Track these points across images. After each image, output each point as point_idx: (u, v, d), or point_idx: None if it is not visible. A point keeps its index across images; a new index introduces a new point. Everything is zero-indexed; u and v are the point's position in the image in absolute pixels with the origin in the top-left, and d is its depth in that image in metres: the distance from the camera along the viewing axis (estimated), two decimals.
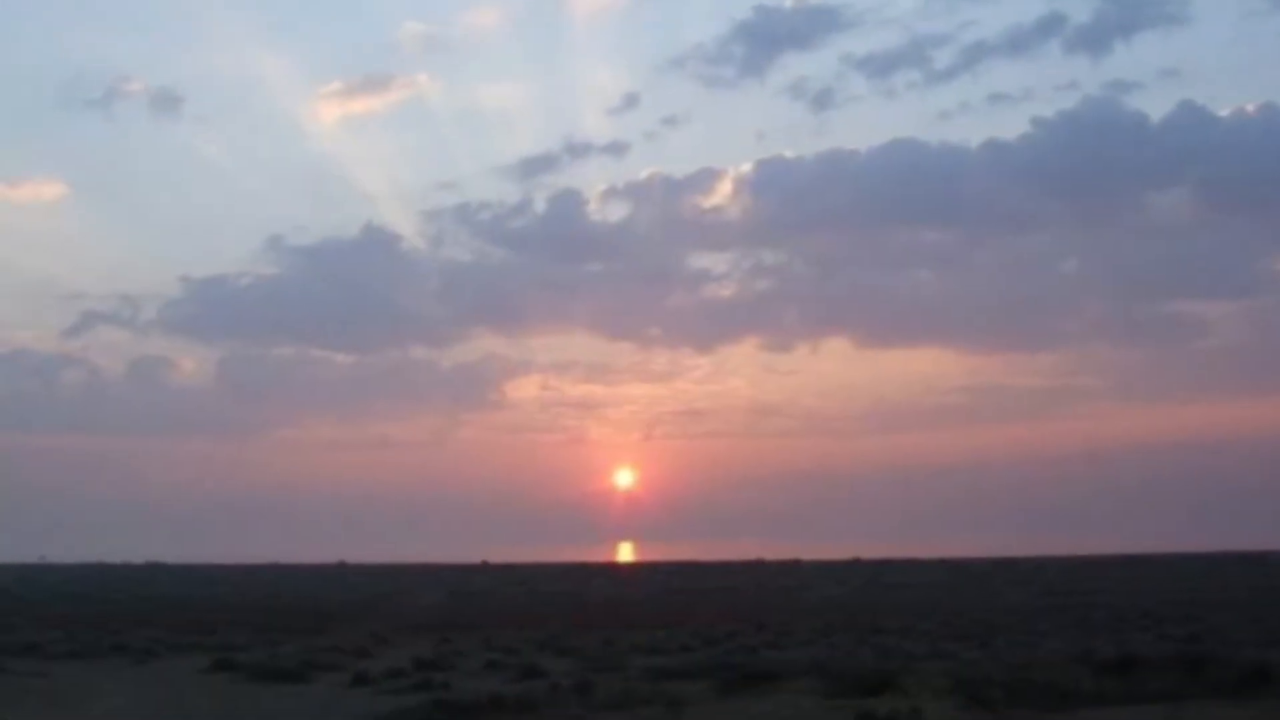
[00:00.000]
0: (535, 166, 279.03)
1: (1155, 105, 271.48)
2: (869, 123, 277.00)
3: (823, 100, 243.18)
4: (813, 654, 25.07)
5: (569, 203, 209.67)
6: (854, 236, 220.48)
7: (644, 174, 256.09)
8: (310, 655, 24.79)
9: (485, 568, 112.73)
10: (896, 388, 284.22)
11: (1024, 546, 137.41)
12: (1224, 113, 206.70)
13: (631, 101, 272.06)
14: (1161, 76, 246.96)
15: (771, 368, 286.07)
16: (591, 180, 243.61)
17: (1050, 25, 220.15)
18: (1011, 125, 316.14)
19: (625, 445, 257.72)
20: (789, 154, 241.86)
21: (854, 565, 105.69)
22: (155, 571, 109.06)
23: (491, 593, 67.30)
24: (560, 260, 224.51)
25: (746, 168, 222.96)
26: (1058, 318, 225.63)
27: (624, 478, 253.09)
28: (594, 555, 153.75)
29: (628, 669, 21.62)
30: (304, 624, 37.90)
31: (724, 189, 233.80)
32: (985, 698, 14.85)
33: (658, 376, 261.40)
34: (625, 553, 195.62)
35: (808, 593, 63.46)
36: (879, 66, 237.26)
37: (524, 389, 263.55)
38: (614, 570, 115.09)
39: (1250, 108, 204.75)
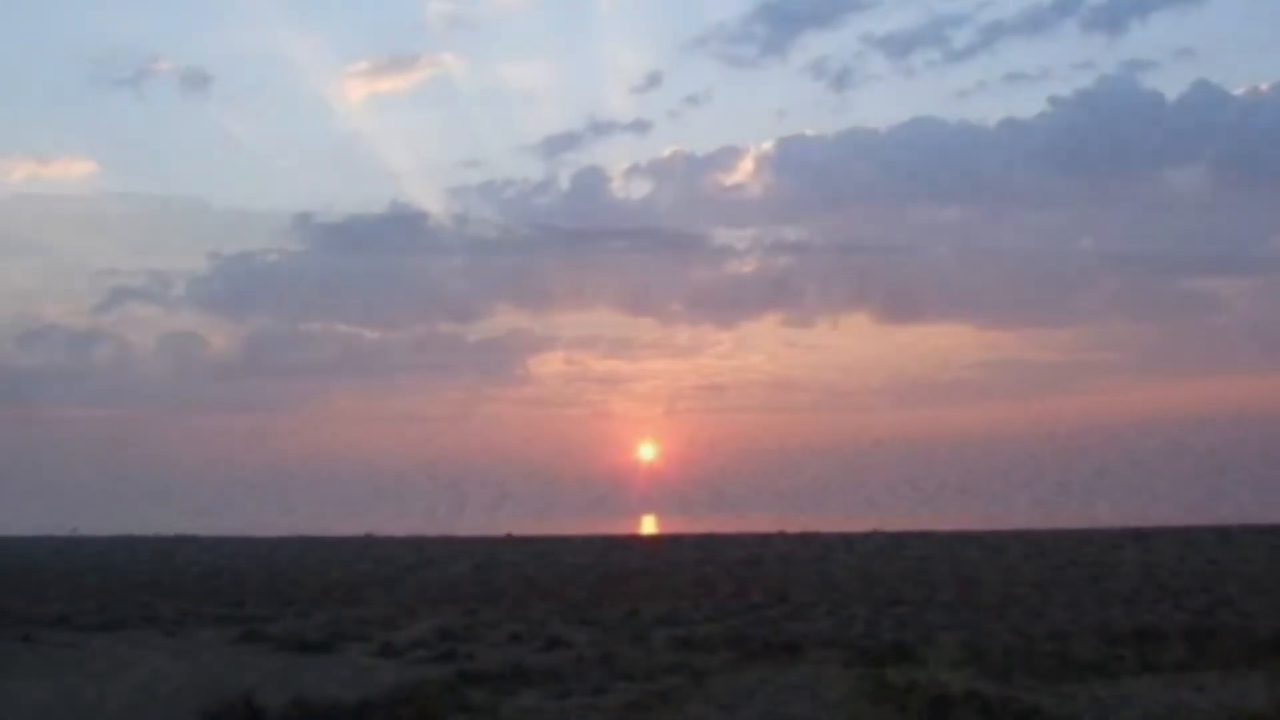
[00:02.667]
0: (559, 144, 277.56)
1: (1171, 84, 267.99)
2: (889, 101, 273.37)
3: (843, 79, 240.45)
4: (833, 625, 25.32)
5: (592, 180, 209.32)
6: (874, 213, 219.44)
7: (666, 152, 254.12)
8: (338, 626, 25.14)
9: (510, 540, 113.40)
10: (916, 363, 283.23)
11: (1041, 519, 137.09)
12: (1238, 91, 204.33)
13: (654, 80, 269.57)
14: (1177, 55, 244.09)
15: (792, 343, 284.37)
16: (615, 158, 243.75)
17: (1067, 5, 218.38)
18: (1029, 104, 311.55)
19: (648, 420, 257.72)
20: (810, 132, 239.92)
21: (873, 537, 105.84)
22: (185, 544, 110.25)
23: (516, 565, 67.76)
24: (584, 237, 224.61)
25: (768, 146, 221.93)
26: (1075, 294, 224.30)
27: (646, 452, 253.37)
28: (617, 528, 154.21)
29: (650, 640, 21.86)
30: (332, 595, 38.40)
31: (745, 167, 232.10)
32: (1002, 668, 15.03)
33: (680, 352, 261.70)
34: (648, 525, 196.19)
35: (828, 565, 63.64)
36: (898, 46, 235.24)
37: (548, 364, 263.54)
38: (637, 543, 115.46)
39: (1264, 86, 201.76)
